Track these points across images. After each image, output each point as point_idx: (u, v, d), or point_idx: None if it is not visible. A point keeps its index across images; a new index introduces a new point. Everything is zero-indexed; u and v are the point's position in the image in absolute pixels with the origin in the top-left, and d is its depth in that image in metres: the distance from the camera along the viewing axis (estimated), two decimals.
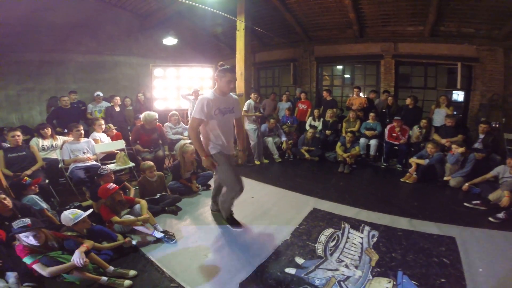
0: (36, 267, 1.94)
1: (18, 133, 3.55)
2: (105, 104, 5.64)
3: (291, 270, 2.24)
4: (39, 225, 2.07)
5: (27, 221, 1.99)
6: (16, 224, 1.97)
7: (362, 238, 2.68)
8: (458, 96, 6.49)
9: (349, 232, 2.78)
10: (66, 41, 6.67)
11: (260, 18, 6.63)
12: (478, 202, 3.33)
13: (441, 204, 3.48)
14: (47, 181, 3.40)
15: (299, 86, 7.77)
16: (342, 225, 2.91)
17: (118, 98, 5.68)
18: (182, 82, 6.11)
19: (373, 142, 5.20)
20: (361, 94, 6.48)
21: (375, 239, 2.64)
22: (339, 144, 5.04)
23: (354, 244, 2.59)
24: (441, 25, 5.53)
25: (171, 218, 3.20)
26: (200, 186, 3.92)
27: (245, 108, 5.12)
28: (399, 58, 6.40)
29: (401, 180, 4.28)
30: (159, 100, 5.99)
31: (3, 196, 2.45)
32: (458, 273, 2.15)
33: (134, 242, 2.59)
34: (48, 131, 3.95)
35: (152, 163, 3.58)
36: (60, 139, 4.04)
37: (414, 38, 6.04)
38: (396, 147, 4.95)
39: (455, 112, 5.23)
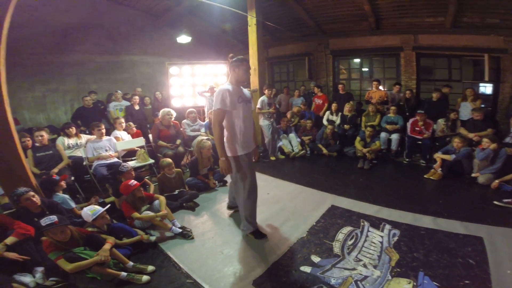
0: (60, 263, 2.03)
1: (43, 133, 3.72)
2: (125, 103, 5.81)
3: (306, 269, 2.21)
4: (65, 222, 2.16)
5: (54, 218, 2.08)
6: (43, 221, 2.06)
7: (382, 237, 2.59)
8: (486, 88, 6.11)
9: (368, 231, 2.70)
10: (84, 43, 6.90)
11: (271, 13, 6.53)
12: (509, 200, 3.12)
13: (468, 202, 3.30)
14: (72, 178, 3.56)
15: (315, 80, 7.63)
16: (362, 223, 2.83)
17: (137, 97, 5.82)
18: (197, 80, 6.17)
19: (394, 137, 5.01)
20: (381, 87, 6.26)
21: (396, 238, 2.55)
22: (358, 138, 4.90)
23: (374, 243, 2.51)
24: (463, 16, 5.22)
25: (189, 214, 3.26)
26: (217, 182, 3.96)
27: (258, 105, 5.10)
28: (420, 50, 6.11)
29: (425, 176, 4.07)
30: (176, 97, 6.08)
31: (32, 193, 2.57)
32: (484, 275, 2.03)
33: (152, 239, 2.66)
34: (73, 130, 4.13)
35: (170, 160, 3.65)
36: (84, 138, 4.20)
37: (435, 29, 5.74)
38: (420, 142, 4.73)
39: (482, 105, 4.92)
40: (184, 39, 6.96)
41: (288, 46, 8.17)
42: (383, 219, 2.89)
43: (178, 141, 4.62)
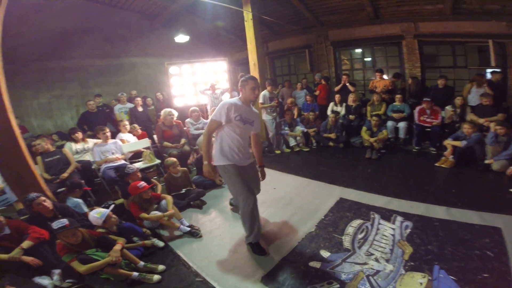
0: (74, 265, 2.07)
1: (38, 141, 3.85)
2: (129, 105, 5.83)
3: (315, 264, 2.17)
4: (76, 225, 2.19)
5: (64, 221, 2.11)
6: (55, 224, 2.10)
7: (394, 229, 2.52)
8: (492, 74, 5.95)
9: (379, 223, 2.63)
10: (82, 47, 6.90)
11: (268, 7, 6.41)
12: None
13: (483, 190, 3.16)
14: (82, 181, 3.59)
15: (317, 72, 7.53)
16: (372, 216, 2.76)
17: (139, 98, 5.84)
18: (198, 78, 6.14)
19: (401, 125, 4.91)
20: (385, 76, 6.14)
21: (408, 230, 2.47)
22: (364, 128, 4.83)
23: (385, 236, 2.44)
24: (462, 3, 5.06)
25: (197, 212, 3.27)
26: (222, 179, 3.94)
27: (260, 100, 5.05)
28: (421, 38, 5.97)
29: (436, 164, 3.97)
30: (177, 97, 6.07)
31: (43, 198, 2.61)
32: (504, 267, 1.94)
33: (160, 244, 2.66)
34: (79, 135, 4.16)
35: (175, 159, 3.65)
36: (91, 142, 4.23)
37: (435, 16, 5.59)
38: (428, 129, 4.63)
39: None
40: (181, 38, 6.92)
41: (288, 39, 8.07)
42: (394, 210, 2.82)
43: (183, 141, 4.62)
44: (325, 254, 2.29)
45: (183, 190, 3.56)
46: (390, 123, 4.98)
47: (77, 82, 6.93)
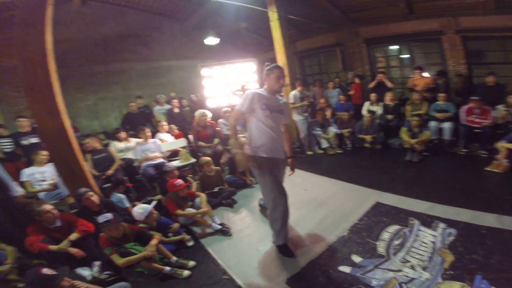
0: (113, 257, 2.21)
1: (88, 140, 4.25)
2: (167, 106, 6.16)
3: (345, 269, 2.11)
4: (119, 219, 2.35)
5: (109, 216, 2.28)
6: (100, 218, 2.27)
7: (435, 236, 2.35)
8: None
9: (418, 230, 2.47)
10: (122, 52, 7.41)
11: (293, 6, 6.31)
12: None
13: None
14: (126, 178, 3.85)
15: (350, 70, 7.28)
16: (411, 221, 2.60)
17: (175, 100, 6.13)
18: (229, 79, 6.26)
19: (447, 125, 4.54)
20: (425, 74, 5.75)
21: (451, 238, 2.30)
22: (404, 129, 4.54)
23: (425, 243, 2.29)
24: None
25: (228, 211, 3.34)
26: (253, 179, 3.99)
27: (291, 100, 5.01)
28: (464, 33, 5.50)
29: (486, 169, 3.60)
30: (210, 98, 6.26)
31: (91, 193, 2.83)
32: None
33: (190, 243, 2.75)
34: (122, 134, 4.48)
35: (209, 158, 3.78)
36: (133, 141, 4.53)
37: (478, 10, 5.09)
38: (478, 130, 4.23)
39: None
40: (211, 40, 7.11)
41: (317, 38, 7.88)
42: (436, 216, 2.62)
43: (216, 141, 4.76)
44: (356, 259, 2.21)
45: (216, 189, 3.66)
46: (433, 124, 4.64)
47: (119, 85, 7.46)
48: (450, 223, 2.51)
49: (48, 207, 2.47)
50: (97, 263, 2.42)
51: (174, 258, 2.41)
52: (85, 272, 2.37)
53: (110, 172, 3.79)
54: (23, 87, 2.90)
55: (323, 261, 2.23)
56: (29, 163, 3.64)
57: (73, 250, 2.36)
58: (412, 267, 2.05)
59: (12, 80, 5.58)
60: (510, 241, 2.18)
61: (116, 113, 7.37)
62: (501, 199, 2.85)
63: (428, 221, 2.59)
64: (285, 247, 2.38)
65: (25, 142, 4.19)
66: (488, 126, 4.12)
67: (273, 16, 5.22)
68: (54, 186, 3.37)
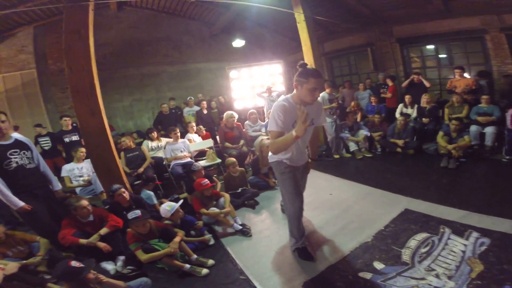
0: (138, 253, 2.28)
1: (124, 139, 4.46)
2: (196, 108, 6.39)
3: (366, 275, 2.02)
4: (147, 216, 2.42)
5: (138, 212, 2.37)
6: (130, 215, 2.36)
7: (466, 245, 2.20)
8: None
9: (449, 238, 2.32)
10: (156, 55, 7.86)
11: (320, 7, 6.21)
12: None
13: None
14: (155, 176, 4.04)
15: (382, 71, 6.98)
16: (441, 230, 2.45)
17: (205, 102, 6.33)
18: (255, 81, 6.33)
19: (489, 130, 4.16)
20: (466, 75, 5.33)
21: (483, 248, 2.14)
22: (441, 133, 4.24)
23: (454, 252, 2.15)
24: None
25: (249, 211, 3.36)
26: (276, 181, 3.98)
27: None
28: (510, 31, 5.04)
29: None
30: (237, 100, 6.36)
31: (123, 189, 2.95)
32: None
33: (211, 242, 2.78)
34: (155, 134, 4.72)
35: (234, 159, 3.83)
36: (164, 141, 4.75)
37: None
38: None
39: None
40: (238, 43, 7.22)
41: (346, 38, 7.69)
42: (470, 226, 2.44)
43: (242, 142, 4.83)
44: (378, 266, 2.11)
45: (239, 190, 3.70)
46: (474, 128, 4.28)
47: (152, 87, 7.90)
48: (484, 232, 2.33)
49: (85, 202, 2.57)
50: (121, 257, 2.49)
51: (195, 256, 2.44)
52: (109, 266, 2.42)
53: (141, 170, 3.99)
54: (70, 89, 3.11)
55: (343, 267, 2.17)
56: (69, 160, 3.92)
57: (101, 245, 2.42)
58: (437, 276, 1.94)
59: (59, 82, 6.15)
60: None
61: (149, 114, 7.82)
62: None
63: (460, 230, 2.42)
64: (305, 250, 2.35)
65: (67, 139, 4.60)
66: None
67: (300, 17, 5.18)
68: (89, 182, 3.57)
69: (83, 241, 2.39)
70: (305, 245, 2.36)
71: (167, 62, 8.10)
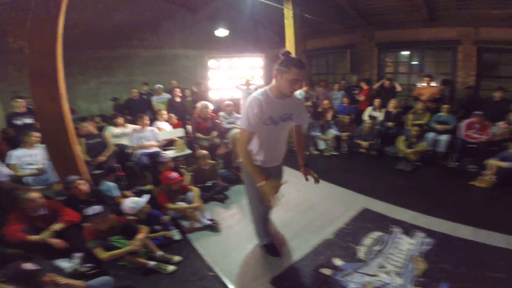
0: (97, 251, 2.13)
1: (85, 124, 4.10)
2: (167, 95, 6.13)
3: (326, 271, 2.17)
4: (108, 212, 2.28)
5: (98, 208, 2.19)
6: (89, 211, 2.17)
7: (412, 244, 2.45)
8: None
9: (397, 237, 2.56)
10: (131, 38, 7.42)
11: (309, 4, 6.21)
12: None
13: None
14: (118, 166, 3.84)
15: (357, 73, 7.21)
16: (393, 229, 2.68)
17: (178, 89, 6.12)
18: (235, 73, 6.22)
19: (444, 138, 4.50)
20: (433, 83, 5.68)
21: (427, 247, 2.39)
22: (402, 138, 4.52)
23: (401, 250, 2.38)
24: None
25: (219, 206, 3.35)
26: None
27: None
28: (482, 44, 5.39)
29: (471, 183, 3.64)
30: (213, 90, 6.24)
31: (82, 181, 2.71)
32: None
33: (177, 237, 2.70)
34: (120, 120, 4.47)
35: (206, 152, 3.75)
36: (129, 127, 4.52)
37: (502, 22, 4.94)
38: (473, 145, 4.20)
39: None
40: (221, 32, 7.03)
41: (329, 38, 7.81)
42: (417, 226, 2.71)
43: (214, 133, 4.75)
44: (338, 262, 2.27)
45: (209, 183, 3.64)
46: (431, 135, 4.60)
47: (123, 70, 7.47)
48: (429, 233, 2.59)
49: (34, 195, 2.34)
50: (78, 255, 2.29)
51: (160, 253, 2.37)
52: (64, 264, 2.21)
53: (103, 158, 3.74)
54: (28, 71, 2.77)
55: (307, 263, 2.28)
56: (18, 145, 3.47)
57: (54, 241, 2.23)
58: (387, 273, 2.13)
59: (17, 61, 5.60)
60: (480, 253, 2.29)
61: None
62: (481, 213, 2.95)
63: (408, 229, 2.66)
64: (272, 246, 2.38)
65: (18, 122, 4.15)
66: (484, 142, 4.09)
67: (288, 13, 5.15)
68: (42, 171, 3.25)
69: (33, 237, 2.19)
70: (273, 242, 2.40)
71: (143, 46, 7.68)
